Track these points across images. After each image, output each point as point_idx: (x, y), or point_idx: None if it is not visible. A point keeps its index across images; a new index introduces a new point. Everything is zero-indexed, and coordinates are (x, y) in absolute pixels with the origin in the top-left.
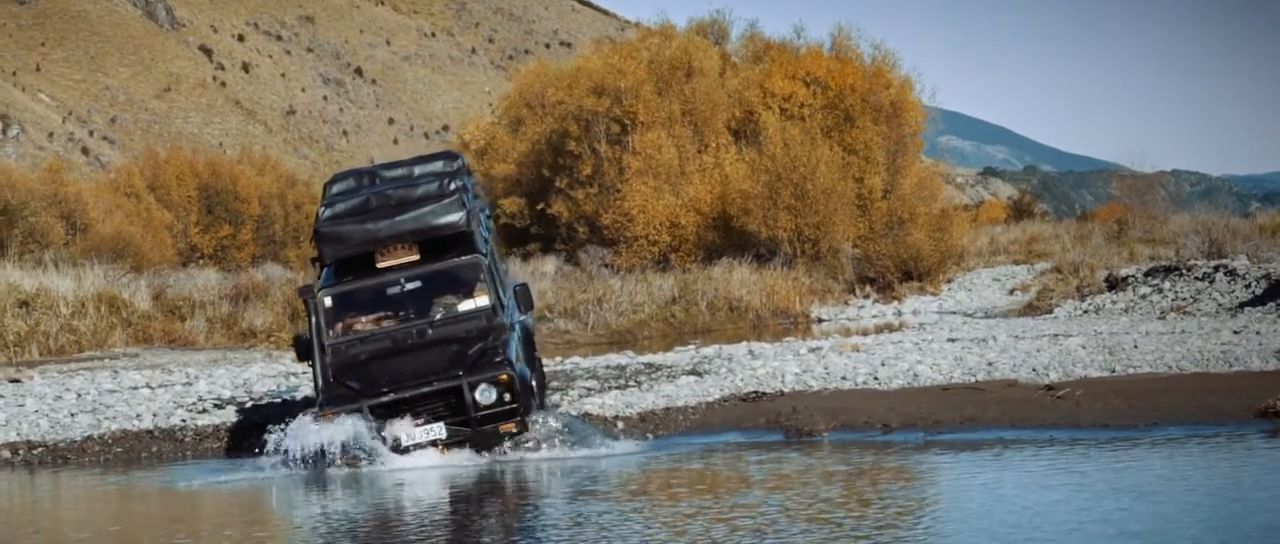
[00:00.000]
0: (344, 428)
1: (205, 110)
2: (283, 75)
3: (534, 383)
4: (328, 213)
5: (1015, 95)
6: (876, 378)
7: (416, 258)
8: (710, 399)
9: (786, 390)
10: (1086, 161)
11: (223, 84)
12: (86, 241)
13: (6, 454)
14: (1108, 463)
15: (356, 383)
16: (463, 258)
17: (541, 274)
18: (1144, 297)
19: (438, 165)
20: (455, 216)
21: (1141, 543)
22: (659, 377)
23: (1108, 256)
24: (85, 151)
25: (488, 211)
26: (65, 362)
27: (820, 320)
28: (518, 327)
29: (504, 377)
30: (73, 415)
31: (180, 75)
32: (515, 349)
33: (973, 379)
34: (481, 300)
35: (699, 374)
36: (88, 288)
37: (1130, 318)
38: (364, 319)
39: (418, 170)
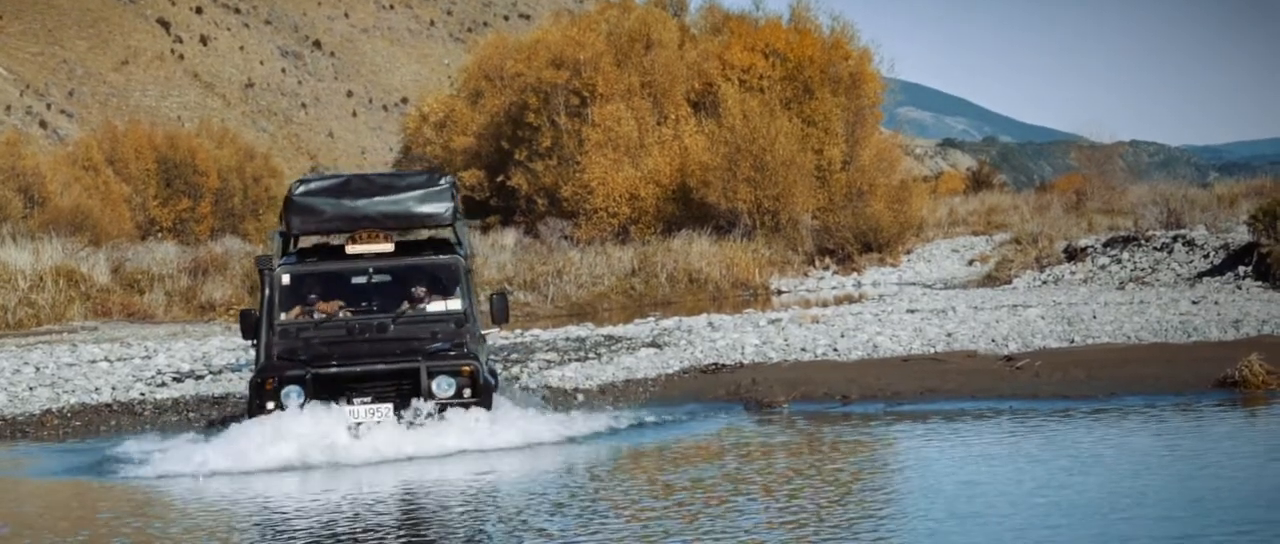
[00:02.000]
0: (296, 431)
1: (163, 83)
2: (241, 48)
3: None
4: (303, 187)
5: (975, 66)
6: (836, 349)
7: (390, 249)
8: (670, 371)
9: (746, 362)
10: (1046, 132)
11: (181, 57)
12: (45, 215)
13: None
14: (1065, 433)
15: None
16: (440, 257)
17: (501, 246)
18: (1103, 267)
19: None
20: (440, 207)
21: (1099, 514)
22: (619, 349)
23: (1067, 227)
24: (43, 125)
25: (468, 248)
26: (23, 335)
27: (780, 292)
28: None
29: (466, 368)
30: (31, 389)
31: (138, 48)
32: (487, 355)
33: (932, 350)
34: (453, 304)
35: (659, 346)
36: (46, 261)
37: (1089, 288)
38: (322, 305)
39: (413, 173)
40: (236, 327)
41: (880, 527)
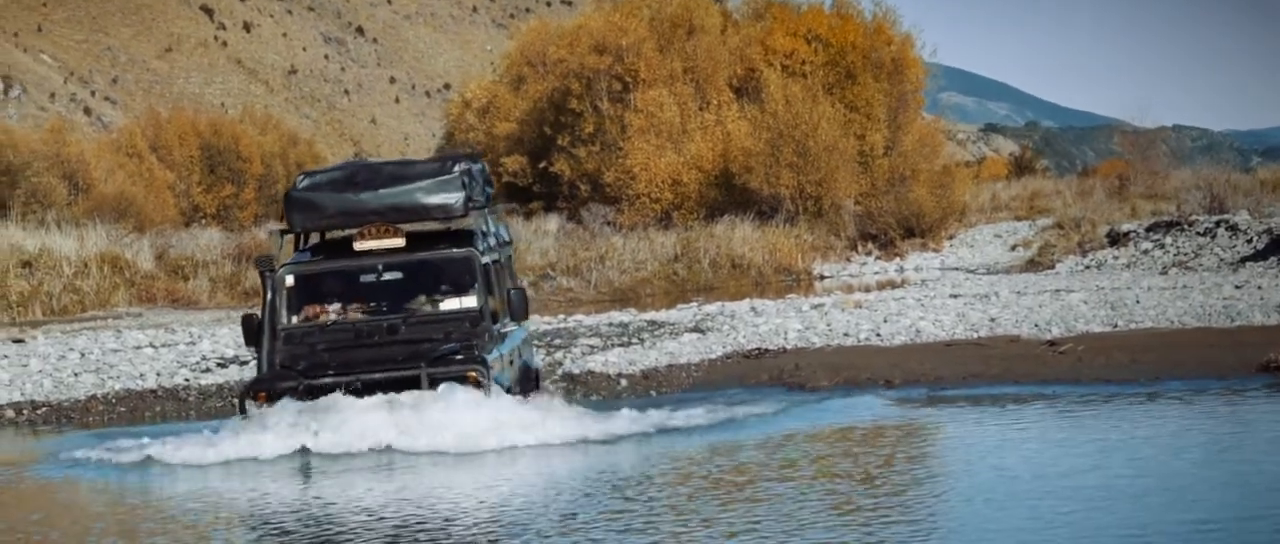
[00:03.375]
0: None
1: (207, 70)
2: (284, 35)
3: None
4: (305, 180)
5: (1017, 51)
6: (879, 334)
7: (400, 244)
8: (713, 356)
9: (789, 347)
10: (1088, 117)
11: (224, 44)
12: (89, 202)
13: (10, 414)
14: (1109, 418)
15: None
16: (454, 251)
17: (544, 232)
18: (1146, 252)
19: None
20: (452, 198)
21: (1141, 499)
22: (661, 334)
23: (1109, 212)
24: (87, 112)
25: (504, 233)
26: (68, 321)
27: (822, 277)
28: (516, 342)
29: (472, 373)
30: (76, 375)
31: (182, 35)
32: (502, 358)
33: (975, 335)
34: (469, 302)
35: (702, 331)
36: (90, 248)
37: (1132, 273)
38: (330, 309)
39: (424, 161)
40: None
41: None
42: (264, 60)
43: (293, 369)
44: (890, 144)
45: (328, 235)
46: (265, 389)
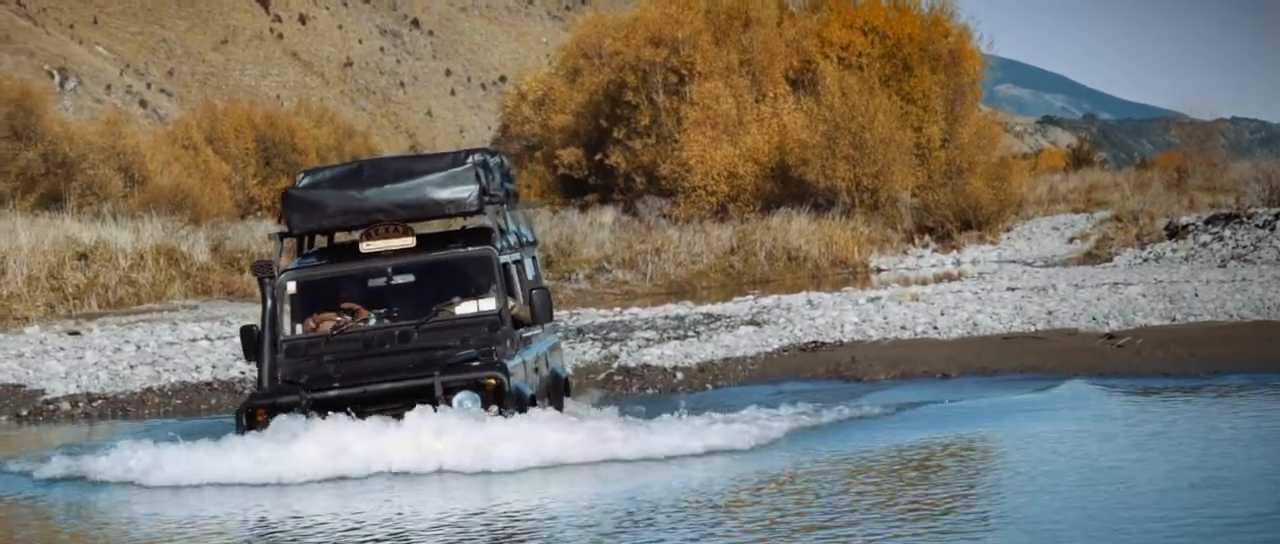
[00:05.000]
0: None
1: (262, 62)
2: (340, 27)
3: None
4: (307, 178)
5: (1074, 43)
6: (936, 327)
7: (411, 244)
8: (769, 349)
9: (846, 340)
10: (1146, 109)
11: (280, 36)
12: (145, 194)
13: (66, 406)
14: (1167, 411)
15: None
16: (470, 250)
17: (600, 225)
18: (1204, 245)
19: (459, 156)
20: (464, 192)
21: (1200, 492)
22: (718, 327)
23: (1167, 205)
24: (143, 104)
25: (527, 232)
26: (124, 314)
27: (879, 270)
28: (542, 349)
29: (491, 381)
30: (132, 367)
31: (237, 27)
32: (525, 365)
33: (1032, 328)
34: (487, 304)
35: (758, 324)
36: (146, 240)
37: (1190, 266)
38: (337, 317)
39: (436, 155)
40: None
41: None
42: (320, 53)
43: (295, 382)
44: (947, 136)
45: (338, 239)
46: (265, 405)
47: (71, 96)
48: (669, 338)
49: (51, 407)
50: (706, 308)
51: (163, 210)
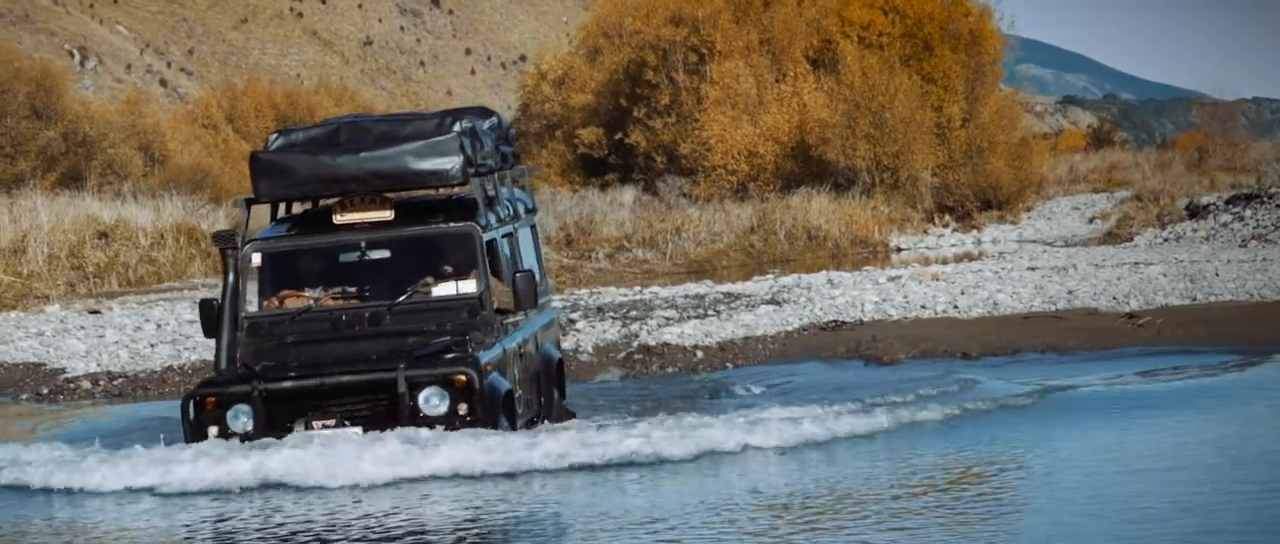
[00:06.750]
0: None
1: (282, 41)
2: (359, 6)
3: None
4: (279, 140)
5: (1095, 22)
6: (956, 307)
7: (388, 217)
8: (789, 328)
9: (866, 319)
10: (1167, 89)
11: (300, 15)
12: (165, 173)
13: (87, 385)
14: (1189, 391)
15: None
16: (451, 225)
17: (620, 204)
18: (1225, 224)
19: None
20: (446, 162)
21: (1217, 472)
22: (738, 306)
23: (1188, 185)
24: (163, 83)
25: (526, 200)
26: (144, 292)
27: (899, 249)
28: (529, 333)
29: (460, 378)
30: (153, 346)
31: (257, 6)
32: (506, 354)
33: (1053, 307)
34: (468, 286)
35: (778, 303)
36: (166, 219)
37: (1211, 246)
38: (306, 293)
39: (422, 117)
40: None
41: None
42: (339, 32)
43: (250, 369)
44: (967, 116)
45: (318, 206)
46: (215, 394)
47: (92, 76)
48: (689, 317)
49: (72, 385)
50: (726, 287)
51: (183, 189)
